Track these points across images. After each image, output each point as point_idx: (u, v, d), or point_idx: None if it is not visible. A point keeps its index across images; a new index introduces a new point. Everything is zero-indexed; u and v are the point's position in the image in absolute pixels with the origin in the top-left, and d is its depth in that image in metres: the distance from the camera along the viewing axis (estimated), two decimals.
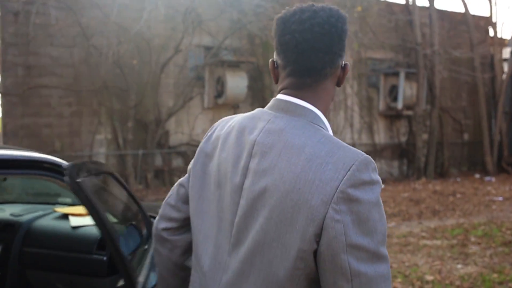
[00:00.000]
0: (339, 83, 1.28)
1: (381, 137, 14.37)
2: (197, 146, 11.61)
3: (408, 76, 13.77)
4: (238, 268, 1.18)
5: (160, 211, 1.47)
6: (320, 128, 1.19)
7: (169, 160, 11.41)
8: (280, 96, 1.26)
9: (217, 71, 11.38)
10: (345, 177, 1.08)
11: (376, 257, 1.07)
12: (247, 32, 11.76)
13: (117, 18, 10.08)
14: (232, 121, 1.33)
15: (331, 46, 1.19)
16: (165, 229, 1.44)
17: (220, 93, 11.40)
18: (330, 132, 1.22)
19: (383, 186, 3.90)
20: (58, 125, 10.43)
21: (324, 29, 1.18)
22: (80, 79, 10.48)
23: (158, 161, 11.30)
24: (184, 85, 11.32)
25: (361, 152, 1.14)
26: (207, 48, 11.71)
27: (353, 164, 1.09)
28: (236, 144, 1.24)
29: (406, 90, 13.62)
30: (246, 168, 1.20)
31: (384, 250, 1.10)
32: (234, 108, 11.92)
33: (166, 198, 1.48)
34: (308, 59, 1.20)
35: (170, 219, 1.44)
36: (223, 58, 11.42)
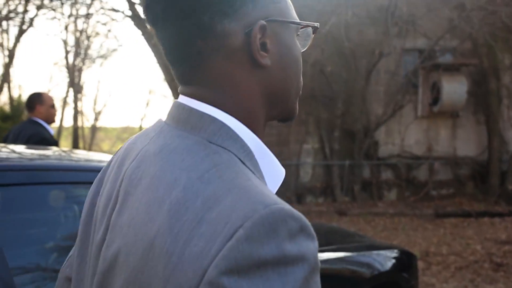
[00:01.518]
0: (255, 60, 0.72)
1: None
2: (409, 158, 10.80)
3: None
4: None
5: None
6: (221, 150, 0.68)
7: (377, 172, 10.75)
8: (179, 98, 0.78)
9: (432, 75, 10.35)
10: (221, 254, 0.57)
11: None
12: (467, 30, 10.47)
13: (320, 25, 9.89)
14: (131, 138, 0.87)
15: (192, 4, 0.69)
16: None
17: (435, 100, 10.33)
18: (260, 151, 0.74)
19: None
20: (267, 134, 10.68)
21: None
22: None
23: (366, 172, 10.73)
24: (395, 92, 10.56)
25: (270, 199, 0.60)
26: (422, 51, 10.75)
27: (240, 227, 0.57)
28: (114, 176, 0.79)
29: None
30: (109, 219, 0.74)
31: None
32: (453, 116, 10.70)
33: (64, 263, 0.98)
34: (162, 36, 0.74)
35: None
36: (438, 61, 10.34)
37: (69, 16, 16.17)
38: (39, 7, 15.03)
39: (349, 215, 9.61)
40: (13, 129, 4.44)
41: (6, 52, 19.54)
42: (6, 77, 18.84)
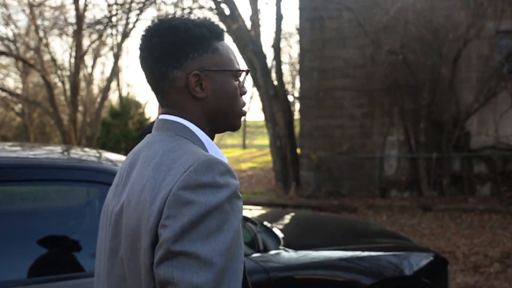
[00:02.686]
0: (193, 94, 1.17)
1: None
2: (505, 149, 9.94)
3: None
4: None
5: None
6: (183, 138, 1.14)
7: (469, 165, 10.03)
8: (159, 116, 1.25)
9: None
10: (180, 179, 1.00)
11: (208, 265, 0.94)
12: None
13: (397, 12, 9.38)
14: None
15: (156, 61, 1.16)
16: None
17: None
18: (209, 144, 1.18)
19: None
20: (350, 126, 10.42)
21: (149, 44, 1.16)
22: (372, 79, 10.22)
23: (456, 166, 10.06)
24: (487, 78, 9.74)
25: (210, 155, 1.06)
26: None
27: (191, 166, 1.01)
28: (120, 171, 1.24)
29: None
30: (117, 193, 1.18)
31: (224, 262, 0.95)
32: None
33: None
34: (145, 77, 1.21)
35: None
36: None
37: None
38: (141, 11, 15.90)
39: (434, 211, 9.09)
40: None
41: (113, 52, 20.99)
42: (113, 76, 20.24)
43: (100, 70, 39.46)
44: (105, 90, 20.02)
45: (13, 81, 25.02)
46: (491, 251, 6.40)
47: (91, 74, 26.10)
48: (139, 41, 1.19)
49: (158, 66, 1.15)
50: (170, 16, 1.19)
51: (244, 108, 1.24)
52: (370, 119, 10.36)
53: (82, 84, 26.76)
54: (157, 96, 1.21)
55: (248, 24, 11.91)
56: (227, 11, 11.33)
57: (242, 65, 1.45)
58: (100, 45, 21.94)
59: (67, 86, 20.92)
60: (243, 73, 1.24)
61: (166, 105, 1.19)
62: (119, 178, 1.21)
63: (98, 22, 13.33)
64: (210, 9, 11.72)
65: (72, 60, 19.87)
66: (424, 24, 9.45)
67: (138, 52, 1.20)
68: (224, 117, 1.20)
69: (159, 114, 1.20)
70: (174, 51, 1.14)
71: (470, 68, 9.96)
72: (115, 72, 22.01)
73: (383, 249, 3.15)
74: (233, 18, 10.84)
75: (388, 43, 9.47)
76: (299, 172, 10.96)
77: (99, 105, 19.79)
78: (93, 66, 24.21)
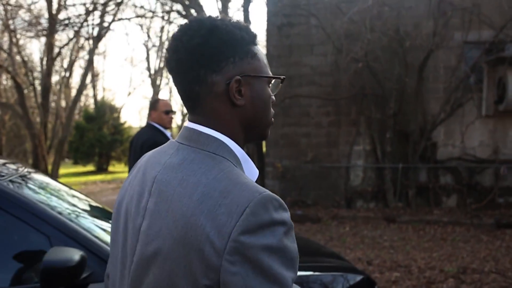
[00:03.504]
0: (233, 101, 1.10)
1: None
2: (472, 161, 9.84)
3: None
4: None
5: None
6: (223, 159, 1.07)
7: (435, 176, 9.89)
8: (187, 123, 1.16)
9: (498, 70, 9.32)
10: (238, 223, 0.95)
11: None
12: None
13: (362, 20, 9.23)
14: (147, 155, 1.24)
15: (192, 63, 1.08)
16: None
17: (501, 98, 9.30)
18: (244, 159, 1.13)
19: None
20: (316, 134, 10.24)
21: (189, 45, 1.07)
22: (338, 87, 10.05)
23: (423, 177, 9.92)
24: (453, 89, 9.62)
25: (260, 189, 1.00)
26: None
27: (247, 207, 0.97)
28: (141, 181, 1.15)
29: None
30: (145, 209, 1.09)
31: None
32: None
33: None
34: (175, 81, 1.14)
35: None
36: (504, 54, 9.27)
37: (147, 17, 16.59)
38: (115, 14, 15.58)
39: (398, 222, 8.92)
40: (135, 134, 4.63)
41: (88, 50, 20.63)
42: (85, 79, 19.86)
43: (79, 73, 38.95)
44: (78, 93, 19.63)
45: None
46: (448, 266, 6.23)
47: (68, 77, 25.70)
48: (172, 41, 1.10)
49: (196, 69, 1.08)
50: (209, 16, 1.12)
51: (273, 118, 1.19)
52: (337, 127, 10.19)
53: (58, 87, 26.29)
54: (187, 102, 1.13)
55: None
56: (195, 14, 11.13)
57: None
58: (75, 48, 21.58)
59: (39, 89, 20.50)
60: (274, 81, 1.19)
61: (198, 113, 1.12)
62: (140, 188, 1.13)
63: (62, 23, 12.98)
64: (178, 12, 11.51)
65: (45, 63, 19.49)
66: (389, 33, 9.32)
67: (170, 54, 1.11)
68: (257, 126, 1.15)
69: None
70: (216, 54, 1.07)
71: (437, 78, 9.85)
72: (89, 72, 21.62)
73: (308, 269, 2.93)
74: None
75: (353, 51, 9.30)
76: (264, 181, 10.74)
77: (70, 108, 19.39)
78: (70, 69, 23.81)
